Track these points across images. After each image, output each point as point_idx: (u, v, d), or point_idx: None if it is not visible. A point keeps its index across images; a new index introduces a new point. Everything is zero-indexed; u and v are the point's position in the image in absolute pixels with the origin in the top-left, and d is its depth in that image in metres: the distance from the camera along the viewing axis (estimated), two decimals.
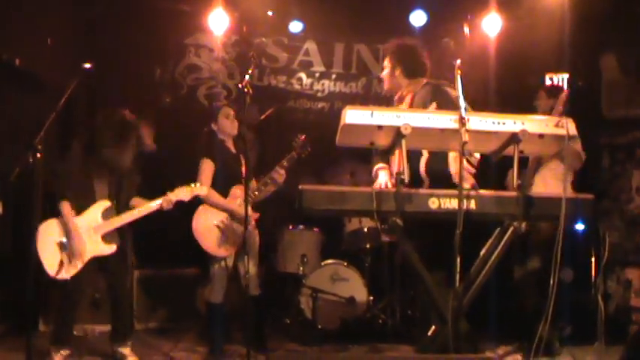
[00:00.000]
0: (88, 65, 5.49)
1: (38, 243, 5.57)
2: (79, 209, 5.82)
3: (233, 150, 6.43)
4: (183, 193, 5.94)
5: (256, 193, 6.27)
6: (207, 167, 6.24)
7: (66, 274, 5.70)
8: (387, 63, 5.71)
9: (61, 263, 5.67)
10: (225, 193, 6.19)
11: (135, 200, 6.02)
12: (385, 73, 5.72)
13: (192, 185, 5.98)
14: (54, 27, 7.78)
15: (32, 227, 5.24)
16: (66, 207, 5.75)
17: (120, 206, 5.96)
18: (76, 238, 5.71)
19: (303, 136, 6.43)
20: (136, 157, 6.07)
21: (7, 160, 5.76)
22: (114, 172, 5.94)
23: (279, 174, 6.26)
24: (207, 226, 6.15)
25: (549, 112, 6.21)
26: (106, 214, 5.89)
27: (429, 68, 5.56)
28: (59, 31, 7.84)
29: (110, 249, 5.87)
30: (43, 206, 5.41)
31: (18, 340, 6.15)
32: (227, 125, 6.40)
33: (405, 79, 5.57)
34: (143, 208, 5.92)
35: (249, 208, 6.05)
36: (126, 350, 6.01)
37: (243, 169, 6.29)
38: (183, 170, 6.36)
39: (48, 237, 5.70)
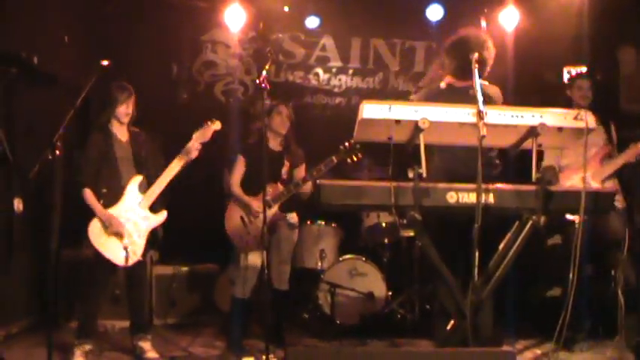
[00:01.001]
0: (105, 62, 5.50)
1: (94, 241, 5.74)
2: (113, 197, 5.86)
3: (277, 148, 6.49)
4: (201, 135, 6.00)
5: (286, 193, 6.31)
6: (240, 164, 6.50)
7: (135, 256, 5.81)
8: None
9: (126, 249, 5.75)
10: (259, 190, 6.18)
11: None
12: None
13: (207, 124, 6.02)
14: (71, 24, 7.82)
15: (52, 224, 5.27)
16: (88, 194, 5.79)
17: (150, 177, 6.00)
18: (112, 223, 5.76)
19: (351, 141, 6.28)
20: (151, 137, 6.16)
21: (26, 158, 5.79)
22: (136, 150, 6.02)
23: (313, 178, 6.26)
24: (234, 219, 6.34)
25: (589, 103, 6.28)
26: (143, 187, 5.95)
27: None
28: (76, 28, 7.88)
29: (162, 216, 5.98)
30: (62, 203, 5.45)
31: (41, 336, 6.17)
32: (278, 123, 6.47)
33: (451, 77, 5.46)
34: (174, 164, 5.94)
35: (276, 209, 6.24)
36: (146, 345, 6.03)
37: (284, 169, 6.38)
38: (200, 167, 6.39)
39: (100, 233, 5.77)
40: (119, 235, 5.76)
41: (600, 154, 6.27)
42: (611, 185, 6.18)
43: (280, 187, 6.37)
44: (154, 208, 5.95)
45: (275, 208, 6.34)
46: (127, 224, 5.82)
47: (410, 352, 4.83)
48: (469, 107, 4.51)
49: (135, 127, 6.11)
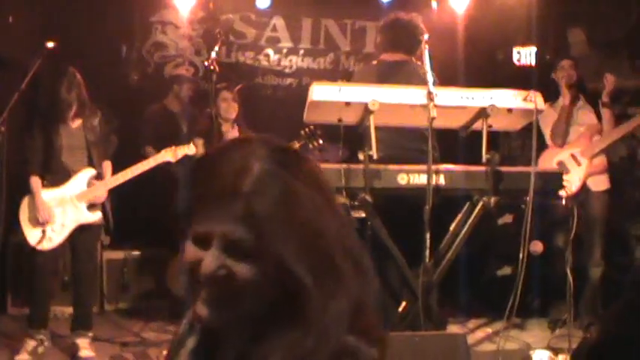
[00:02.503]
0: (51, 44, 5.40)
1: (20, 216, 5.67)
2: (55, 183, 5.75)
3: (230, 134, 6.43)
4: (169, 154, 5.94)
5: None
6: (200, 145, 6.33)
7: (49, 243, 5.66)
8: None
9: (44, 233, 5.65)
10: None
11: (106, 164, 5.94)
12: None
13: (182, 146, 5.98)
14: (15, 4, 7.64)
15: None
16: (34, 181, 5.68)
17: (95, 159, 5.90)
18: (42, 210, 5.64)
19: (312, 126, 6.27)
20: (107, 119, 6.05)
21: None
22: (87, 135, 5.87)
23: None
24: None
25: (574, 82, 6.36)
26: (91, 182, 5.84)
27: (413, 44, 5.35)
28: (21, 8, 7.70)
29: (95, 216, 5.85)
30: (8, 187, 5.35)
31: None
32: (225, 109, 6.44)
33: (383, 52, 5.47)
34: (129, 170, 5.87)
35: None
36: (83, 342, 5.83)
37: None
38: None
39: (27, 210, 5.70)
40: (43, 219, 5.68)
41: (590, 131, 6.31)
42: (600, 162, 6.25)
43: None
44: (90, 206, 5.83)
45: None
46: (56, 209, 5.71)
47: None
48: (420, 88, 4.51)
49: (93, 108, 5.94)
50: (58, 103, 5.73)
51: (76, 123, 5.83)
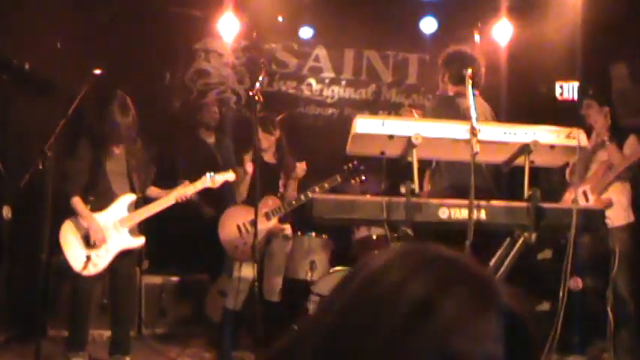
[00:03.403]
0: (98, 71, 5.49)
1: (61, 241, 5.69)
2: (100, 206, 5.81)
3: (271, 161, 6.54)
4: (209, 181, 5.99)
5: (286, 208, 6.30)
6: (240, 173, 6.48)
7: (94, 269, 5.70)
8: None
9: (88, 258, 5.68)
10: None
11: (151, 190, 6.01)
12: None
13: (223, 173, 6.06)
14: (64, 31, 7.78)
15: (42, 232, 5.24)
16: (78, 203, 5.73)
17: (137, 187, 5.96)
18: (96, 232, 5.70)
19: (356, 162, 6.35)
20: (147, 147, 6.10)
21: (18, 166, 5.76)
22: (130, 160, 5.93)
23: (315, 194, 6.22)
24: (230, 228, 6.32)
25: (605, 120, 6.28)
26: (132, 207, 5.90)
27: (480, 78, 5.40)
28: (69, 34, 7.84)
29: (138, 242, 5.92)
30: (52, 212, 5.41)
31: (26, 346, 6.13)
32: (265, 142, 6.52)
33: (452, 86, 5.48)
34: (170, 197, 5.92)
35: (275, 221, 6.30)
36: None
37: (281, 182, 6.39)
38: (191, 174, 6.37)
39: (70, 234, 5.74)
40: (89, 242, 5.70)
41: (602, 168, 6.29)
42: (608, 198, 6.17)
43: (278, 200, 6.38)
44: (133, 231, 5.91)
45: (274, 221, 6.33)
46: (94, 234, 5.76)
47: None
48: (463, 124, 4.51)
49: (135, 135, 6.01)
50: (113, 126, 5.79)
51: (120, 148, 5.90)
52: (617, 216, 6.13)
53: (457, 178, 5.05)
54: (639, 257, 6.23)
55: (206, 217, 7.57)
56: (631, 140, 6.25)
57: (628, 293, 6.00)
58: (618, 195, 6.17)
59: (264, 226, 6.18)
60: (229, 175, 6.06)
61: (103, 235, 5.70)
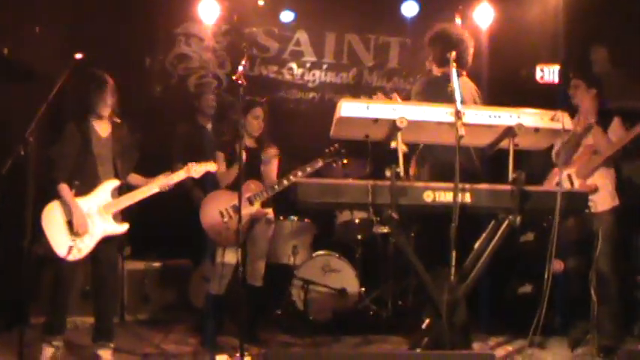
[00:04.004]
0: (79, 55, 5.42)
1: (44, 225, 5.59)
2: (84, 190, 5.72)
3: (252, 145, 6.54)
4: (195, 171, 5.94)
5: (269, 192, 6.29)
6: (220, 160, 6.47)
7: (78, 254, 5.63)
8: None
9: (72, 244, 5.62)
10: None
11: (131, 176, 5.96)
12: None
13: (204, 163, 5.99)
14: (42, 15, 7.69)
15: (25, 219, 5.19)
16: (64, 190, 5.65)
17: (121, 172, 5.89)
18: (79, 218, 5.63)
19: (337, 145, 6.40)
20: (132, 132, 6.04)
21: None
22: (115, 145, 5.87)
23: (297, 178, 6.21)
24: (212, 213, 6.24)
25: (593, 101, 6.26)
26: (116, 193, 5.84)
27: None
28: (48, 19, 7.75)
29: (122, 228, 5.84)
30: (35, 199, 5.36)
31: (9, 333, 6.10)
32: (255, 126, 6.51)
33: (437, 68, 5.49)
34: (153, 185, 5.86)
35: (257, 206, 6.31)
36: (106, 354, 5.83)
37: (262, 166, 6.40)
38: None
39: (54, 218, 5.64)
40: (72, 227, 5.61)
41: (587, 152, 6.23)
42: (593, 184, 6.11)
43: (261, 184, 6.36)
44: (117, 217, 5.84)
45: (257, 205, 6.31)
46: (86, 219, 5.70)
47: (390, 354, 4.85)
48: (447, 107, 4.51)
49: (117, 119, 5.94)
50: (95, 107, 5.77)
51: (106, 133, 5.85)
52: (603, 200, 6.11)
53: (442, 160, 5.06)
54: (622, 240, 6.25)
55: (196, 201, 7.55)
56: (615, 125, 6.22)
57: (611, 275, 6.01)
58: (604, 179, 6.13)
59: (247, 210, 6.16)
60: (210, 166, 6.01)
61: (86, 225, 5.64)
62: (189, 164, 5.94)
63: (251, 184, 6.27)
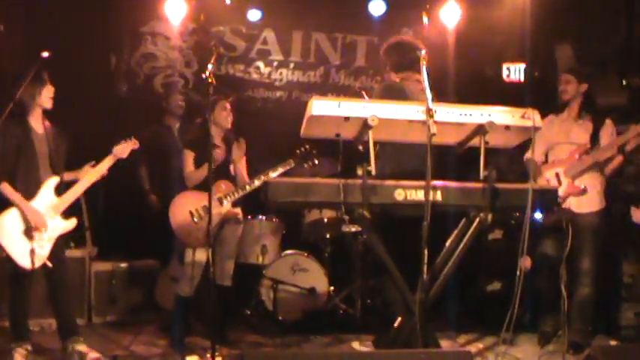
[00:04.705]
0: (45, 54, 5.35)
1: (1, 240, 5.44)
2: (29, 192, 5.59)
3: (220, 144, 6.44)
4: (121, 150, 5.89)
5: (240, 192, 6.24)
6: (189, 157, 6.36)
7: (38, 261, 5.52)
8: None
9: (32, 251, 5.49)
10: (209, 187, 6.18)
11: (67, 174, 5.89)
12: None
13: (127, 140, 5.96)
14: (5, 13, 7.59)
15: None
16: (6, 188, 5.49)
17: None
18: (35, 215, 5.52)
19: (307, 145, 6.38)
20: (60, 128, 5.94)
21: None
22: (49, 141, 5.77)
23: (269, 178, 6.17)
24: (182, 214, 6.15)
25: (581, 97, 6.24)
26: (59, 190, 5.74)
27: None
28: (11, 18, 7.65)
29: (72, 224, 5.79)
30: None
31: None
32: (224, 117, 6.44)
33: (395, 74, 5.54)
34: (92, 174, 5.82)
35: (228, 206, 6.26)
36: (83, 347, 5.80)
37: (231, 165, 6.35)
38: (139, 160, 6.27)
39: (9, 229, 5.48)
40: (29, 234, 5.50)
41: (577, 151, 6.15)
42: (582, 187, 6.03)
43: (231, 184, 6.32)
44: (65, 215, 5.77)
45: (228, 205, 6.27)
46: (38, 224, 5.59)
47: (369, 354, 4.84)
48: (418, 105, 4.52)
49: (46, 121, 5.82)
50: (31, 103, 5.65)
51: (41, 129, 5.73)
52: (591, 202, 6.10)
53: (399, 161, 5.09)
54: (607, 244, 6.26)
55: (151, 206, 7.52)
56: (607, 127, 6.21)
57: (588, 275, 6.04)
58: (593, 181, 6.11)
59: (217, 210, 6.12)
60: (132, 143, 5.95)
61: (42, 218, 5.56)
62: (114, 147, 5.89)
63: (221, 184, 6.23)
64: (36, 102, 5.66)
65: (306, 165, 6.40)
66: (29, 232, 5.52)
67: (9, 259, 5.51)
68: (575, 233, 5.83)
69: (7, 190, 5.51)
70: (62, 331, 5.87)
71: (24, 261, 5.48)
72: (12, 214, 5.53)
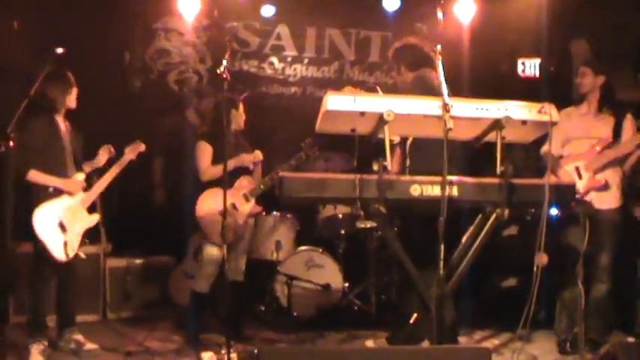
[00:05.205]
0: (60, 50, 5.35)
1: (39, 231, 5.54)
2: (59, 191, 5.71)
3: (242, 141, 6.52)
4: (132, 151, 6.08)
5: (261, 187, 6.27)
6: (206, 150, 6.35)
7: (72, 252, 5.69)
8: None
9: (66, 243, 5.63)
10: (231, 183, 6.24)
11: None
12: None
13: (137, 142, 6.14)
14: (20, 10, 7.60)
15: (4, 218, 5.11)
16: (35, 174, 5.59)
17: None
18: (71, 185, 5.72)
19: (310, 138, 6.42)
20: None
21: None
22: (71, 138, 5.89)
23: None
24: (212, 211, 6.13)
25: (599, 90, 6.13)
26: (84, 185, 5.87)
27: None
28: (25, 14, 7.66)
29: (95, 219, 5.92)
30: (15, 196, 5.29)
31: None
32: (238, 119, 6.45)
33: (410, 73, 5.57)
34: (114, 168, 5.97)
35: (253, 202, 6.35)
36: (80, 336, 5.93)
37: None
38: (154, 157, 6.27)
39: (46, 222, 5.59)
40: (63, 227, 5.63)
41: (599, 145, 6.00)
42: (609, 178, 5.93)
43: (253, 179, 6.35)
44: (89, 210, 5.90)
45: (253, 201, 6.29)
46: (71, 218, 5.71)
47: (384, 350, 4.82)
48: (435, 99, 4.48)
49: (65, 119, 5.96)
50: (61, 105, 5.82)
51: (64, 127, 5.87)
52: (612, 198, 5.98)
53: (432, 159, 5.05)
54: (625, 241, 6.18)
55: (157, 199, 7.53)
56: (628, 122, 6.06)
57: (608, 275, 5.97)
58: (614, 176, 5.99)
59: (245, 207, 6.19)
60: (139, 147, 6.11)
61: (79, 184, 5.75)
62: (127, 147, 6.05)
63: (244, 180, 6.25)
64: (65, 102, 5.82)
65: (305, 156, 6.43)
66: (63, 225, 5.64)
67: (38, 253, 5.64)
68: (595, 229, 5.77)
69: (37, 175, 5.62)
70: (61, 322, 5.97)
71: (59, 253, 5.61)
72: (47, 207, 5.63)
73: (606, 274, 5.96)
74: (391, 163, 5.10)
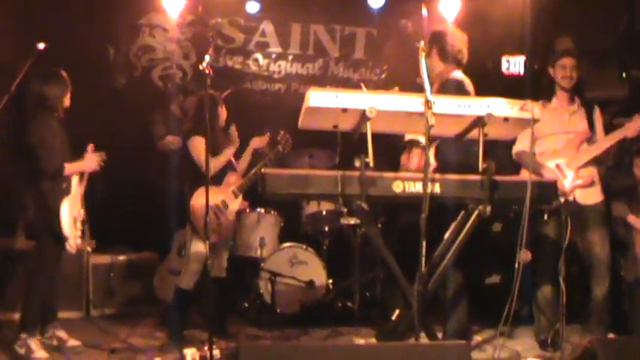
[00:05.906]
0: (42, 45, 5.33)
1: (64, 226, 5.64)
2: (67, 181, 5.78)
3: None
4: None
5: (247, 182, 6.28)
6: (202, 144, 6.11)
7: (82, 245, 5.81)
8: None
9: (78, 237, 5.76)
10: (220, 180, 6.25)
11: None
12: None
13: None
14: (3, 6, 7.54)
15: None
16: (68, 167, 5.71)
17: None
18: (91, 161, 5.87)
19: (284, 131, 6.53)
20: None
21: None
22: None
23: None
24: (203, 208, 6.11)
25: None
26: (80, 180, 5.91)
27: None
28: (8, 10, 7.61)
29: (82, 214, 5.93)
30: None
31: None
32: (224, 117, 6.46)
33: (440, 62, 5.61)
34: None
35: (241, 198, 6.38)
36: (63, 333, 5.96)
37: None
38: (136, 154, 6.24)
39: (66, 215, 5.67)
40: (75, 221, 5.74)
41: (577, 140, 5.97)
42: (589, 174, 5.92)
43: (239, 176, 6.35)
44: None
45: (240, 197, 6.29)
46: (75, 213, 5.76)
47: (367, 346, 4.82)
48: (417, 96, 4.48)
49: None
50: (59, 105, 5.86)
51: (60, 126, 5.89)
52: (596, 192, 5.98)
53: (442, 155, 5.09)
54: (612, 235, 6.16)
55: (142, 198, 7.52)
56: (598, 114, 6.10)
57: (607, 268, 5.89)
58: (594, 171, 5.99)
59: (234, 204, 6.25)
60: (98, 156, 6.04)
61: (95, 159, 5.87)
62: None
63: (231, 176, 6.26)
64: (64, 102, 5.88)
65: (280, 147, 6.53)
66: (75, 219, 5.73)
67: (46, 248, 5.72)
68: (584, 226, 5.79)
69: (69, 167, 5.74)
70: (44, 317, 5.93)
71: (71, 245, 5.69)
72: (66, 202, 5.71)
73: (606, 267, 5.90)
74: (407, 162, 5.14)
